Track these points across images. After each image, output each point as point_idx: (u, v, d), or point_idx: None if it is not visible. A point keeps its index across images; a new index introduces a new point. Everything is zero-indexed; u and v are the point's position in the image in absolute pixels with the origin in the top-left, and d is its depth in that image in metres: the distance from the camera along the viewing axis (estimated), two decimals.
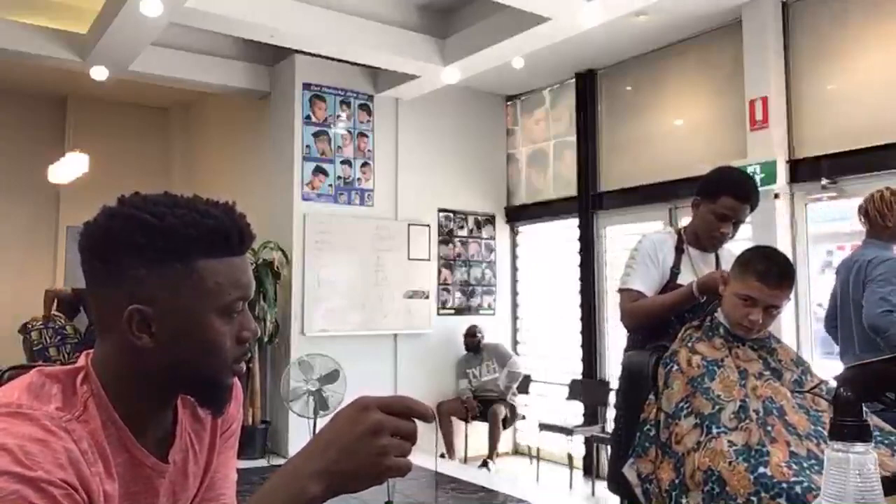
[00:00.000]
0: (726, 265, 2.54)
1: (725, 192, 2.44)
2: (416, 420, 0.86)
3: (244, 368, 1.01)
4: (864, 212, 3.22)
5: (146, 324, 0.91)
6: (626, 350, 2.53)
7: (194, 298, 0.92)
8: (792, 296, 2.10)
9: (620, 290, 2.53)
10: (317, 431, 0.87)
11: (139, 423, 0.95)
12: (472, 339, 6.64)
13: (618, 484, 2.21)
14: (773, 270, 1.99)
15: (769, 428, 1.78)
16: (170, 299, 0.91)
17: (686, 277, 2.47)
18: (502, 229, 7.37)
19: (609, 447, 2.68)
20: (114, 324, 0.91)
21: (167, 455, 0.99)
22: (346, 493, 0.84)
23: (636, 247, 2.55)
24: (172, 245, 0.90)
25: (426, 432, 6.59)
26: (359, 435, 0.82)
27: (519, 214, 7.32)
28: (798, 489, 1.60)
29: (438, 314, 6.84)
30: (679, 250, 2.52)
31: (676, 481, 1.86)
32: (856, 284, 3.12)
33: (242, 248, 0.96)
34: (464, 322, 6.83)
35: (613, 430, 2.44)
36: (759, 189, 4.83)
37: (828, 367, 4.21)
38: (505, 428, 6.41)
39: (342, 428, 0.84)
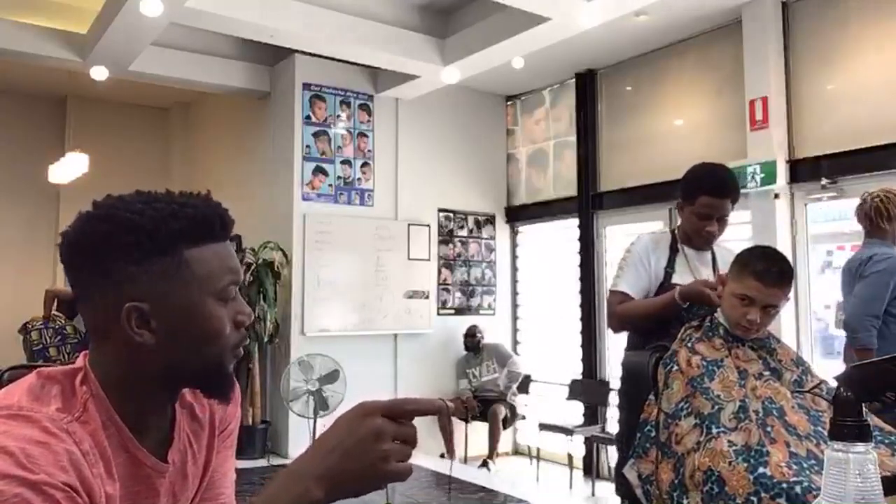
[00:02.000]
0: (723, 263, 2.55)
1: (702, 193, 2.46)
2: (431, 414, 0.87)
3: (241, 353, 1.01)
4: (866, 213, 3.21)
5: (145, 320, 0.91)
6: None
7: (188, 288, 0.92)
8: (792, 296, 2.10)
9: (609, 292, 2.58)
10: (319, 435, 0.87)
11: (139, 423, 0.95)
12: (472, 339, 6.64)
13: (621, 486, 2.22)
14: (770, 270, 2.00)
15: (769, 428, 1.78)
16: (165, 293, 0.91)
17: (682, 277, 2.48)
18: (502, 229, 7.37)
19: (609, 448, 2.69)
20: (111, 327, 0.91)
21: (166, 456, 1.00)
22: (347, 497, 0.85)
23: (629, 248, 2.57)
24: (157, 239, 0.90)
25: (427, 433, 6.58)
26: (361, 440, 0.83)
27: (519, 214, 7.32)
28: (798, 489, 1.60)
29: (438, 314, 6.84)
30: (674, 250, 2.54)
31: (676, 482, 1.86)
32: (852, 284, 3.14)
33: (225, 234, 0.97)
34: (464, 322, 6.83)
35: (617, 433, 2.45)
36: (758, 189, 4.87)
37: (828, 367, 4.21)
38: (505, 428, 6.41)
39: (344, 433, 0.84)
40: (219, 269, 0.94)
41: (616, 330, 2.56)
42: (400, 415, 0.85)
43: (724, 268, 2.54)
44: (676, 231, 2.61)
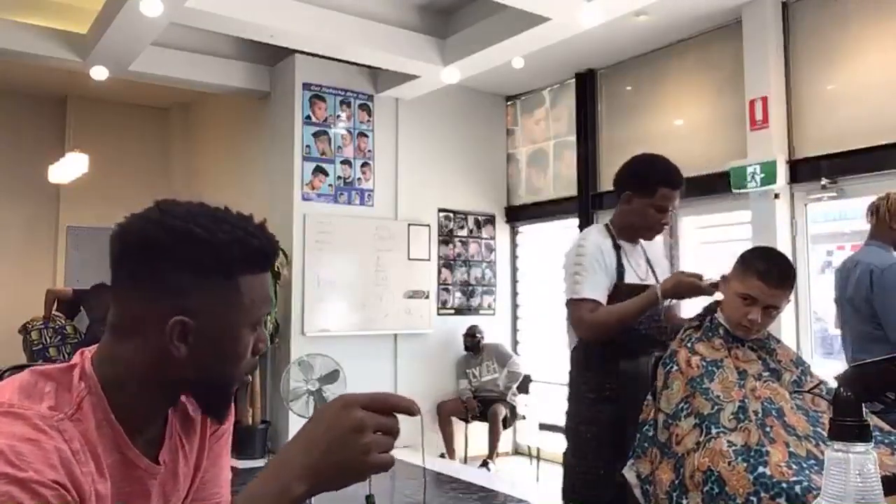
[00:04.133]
0: (651, 256, 2.55)
1: (662, 184, 2.41)
2: (404, 415, 0.87)
3: (250, 379, 1.04)
4: (875, 209, 3.19)
5: (185, 334, 0.92)
6: (577, 365, 2.51)
7: (233, 313, 0.95)
8: (792, 296, 2.10)
9: (573, 301, 2.42)
10: (301, 428, 0.87)
11: (134, 424, 0.95)
12: (472, 339, 6.64)
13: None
14: (773, 270, 2.00)
15: (768, 429, 1.78)
16: (212, 313, 0.93)
17: (628, 275, 2.45)
18: (502, 229, 7.36)
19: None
20: (146, 329, 0.92)
21: (157, 456, 1.00)
22: (330, 490, 0.85)
23: (579, 251, 2.45)
24: (222, 262, 0.93)
25: (427, 432, 6.58)
26: (342, 433, 0.83)
27: (519, 214, 7.32)
28: (798, 489, 1.60)
29: (438, 314, 6.83)
30: (616, 247, 2.49)
31: (676, 482, 1.86)
32: (857, 287, 3.10)
33: (272, 265, 1.01)
34: (464, 322, 6.82)
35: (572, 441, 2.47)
36: (758, 189, 4.88)
37: (828, 367, 4.21)
38: (505, 428, 6.41)
39: (326, 426, 0.84)
40: (260, 299, 0.97)
41: (591, 339, 2.42)
42: (380, 408, 0.85)
43: (654, 261, 2.53)
44: (610, 227, 2.54)
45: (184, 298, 0.92)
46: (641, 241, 2.57)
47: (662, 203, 2.41)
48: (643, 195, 2.43)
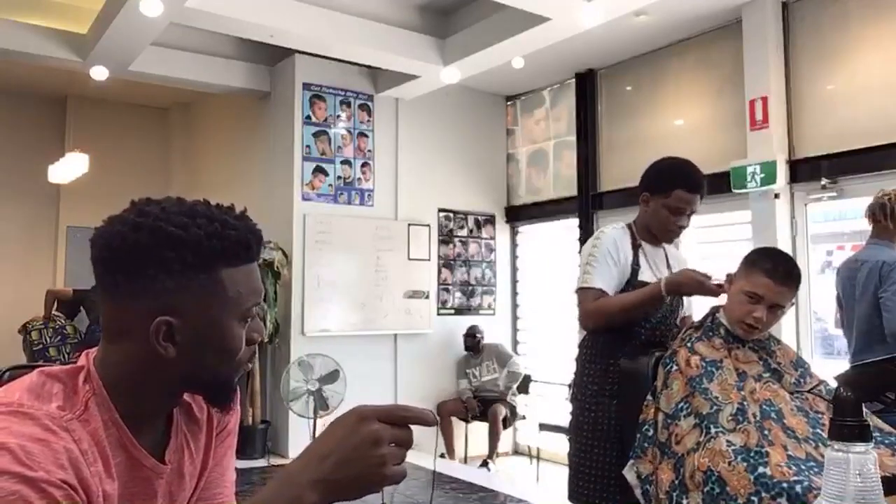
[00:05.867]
0: (675, 262, 2.53)
1: (678, 186, 2.40)
2: (421, 424, 0.87)
3: (250, 367, 1.04)
4: (872, 209, 3.20)
5: (171, 334, 0.92)
6: (583, 359, 2.47)
7: (218, 308, 0.94)
8: (794, 298, 2.11)
9: (581, 289, 2.38)
10: (315, 438, 0.87)
11: (139, 423, 0.95)
12: (472, 340, 6.63)
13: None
14: (780, 268, 2.01)
15: (766, 432, 1.78)
16: (195, 310, 0.93)
17: (644, 274, 2.43)
18: (502, 229, 7.36)
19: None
20: (132, 331, 0.92)
21: (163, 455, 1.00)
22: (343, 501, 0.85)
23: (595, 244, 2.43)
24: (199, 258, 0.92)
25: (426, 432, 6.59)
26: (357, 445, 0.83)
27: (519, 214, 7.32)
28: (798, 488, 1.60)
29: (438, 314, 6.83)
30: (635, 246, 2.47)
31: (676, 482, 1.86)
32: (865, 286, 3.10)
33: (256, 255, 0.99)
34: (464, 322, 6.82)
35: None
36: (758, 189, 4.88)
37: (828, 367, 4.21)
38: (505, 428, 6.41)
39: (341, 438, 0.84)
40: (247, 291, 0.96)
41: (592, 328, 2.39)
42: (396, 420, 0.85)
43: (676, 268, 2.52)
44: (633, 226, 2.53)
45: (166, 298, 0.91)
46: (665, 245, 2.56)
47: (677, 205, 2.40)
48: (659, 195, 2.43)
